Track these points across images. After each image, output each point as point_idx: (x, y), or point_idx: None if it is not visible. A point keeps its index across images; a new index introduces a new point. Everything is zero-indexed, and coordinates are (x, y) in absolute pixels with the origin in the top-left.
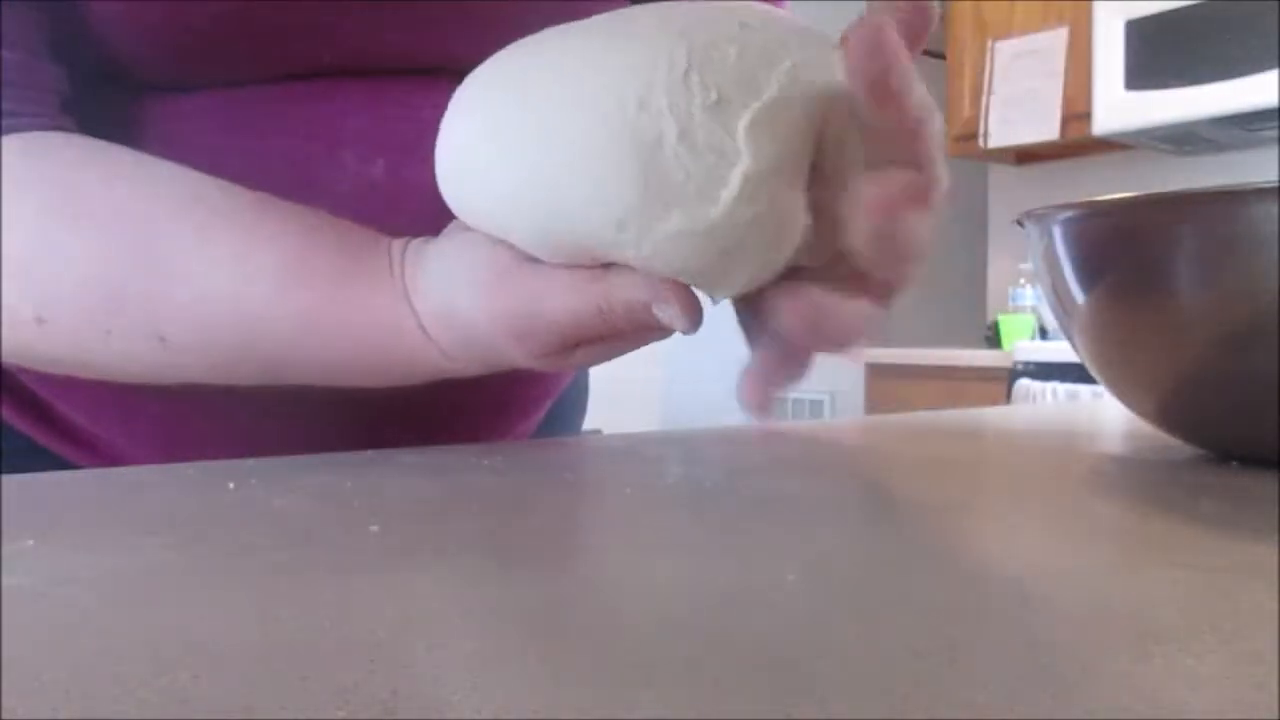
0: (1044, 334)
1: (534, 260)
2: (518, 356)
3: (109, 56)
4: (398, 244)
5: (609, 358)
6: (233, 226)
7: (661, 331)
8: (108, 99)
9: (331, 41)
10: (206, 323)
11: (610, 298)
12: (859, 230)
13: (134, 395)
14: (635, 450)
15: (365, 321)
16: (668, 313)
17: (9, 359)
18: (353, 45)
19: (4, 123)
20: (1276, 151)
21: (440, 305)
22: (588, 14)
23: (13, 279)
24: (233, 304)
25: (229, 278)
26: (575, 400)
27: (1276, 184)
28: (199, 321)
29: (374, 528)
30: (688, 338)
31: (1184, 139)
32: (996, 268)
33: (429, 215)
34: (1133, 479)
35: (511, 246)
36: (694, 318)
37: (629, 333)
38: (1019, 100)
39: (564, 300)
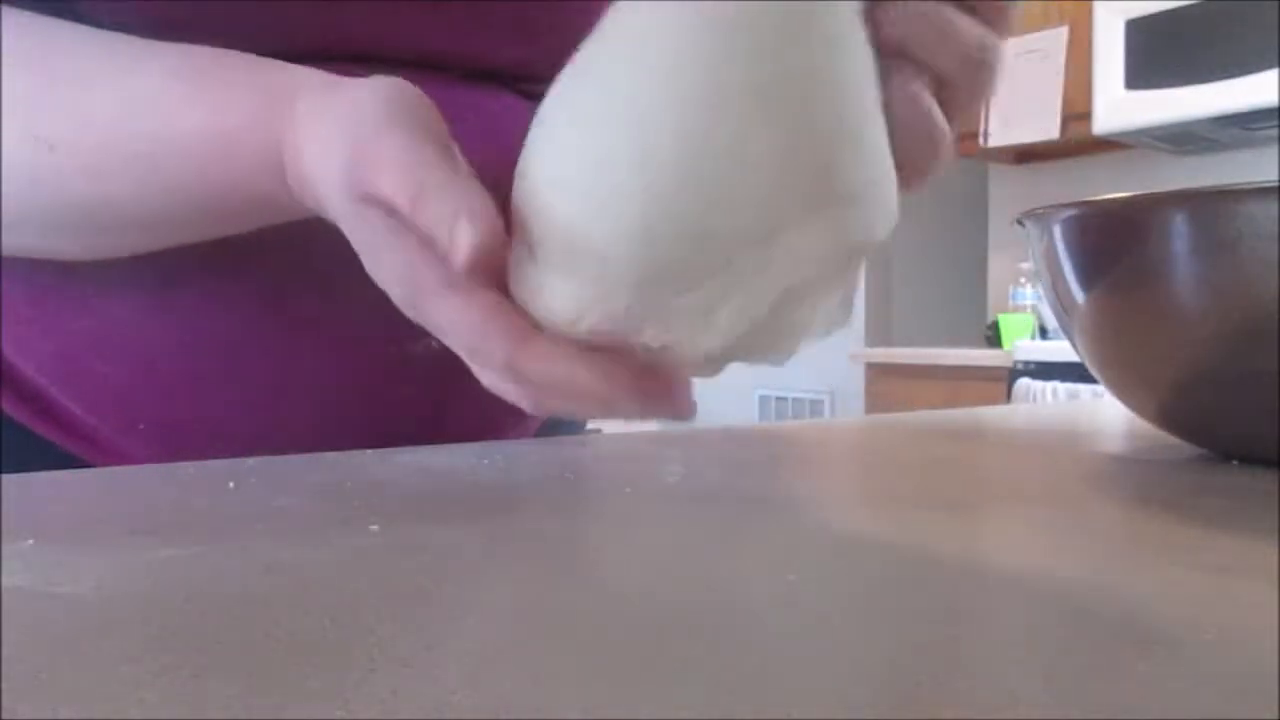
0: (1044, 333)
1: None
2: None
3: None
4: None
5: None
6: (148, 44)
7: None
8: None
9: (347, 35)
10: (84, 120)
11: (425, 192)
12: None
13: (133, 387)
14: (635, 450)
15: (214, 124)
16: (460, 241)
17: None
18: (366, 38)
19: None
20: (1276, 151)
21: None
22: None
23: None
24: (109, 101)
25: (111, 79)
26: None
27: (1276, 183)
28: (78, 119)
29: (374, 527)
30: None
31: (1184, 138)
32: (996, 267)
33: None
34: (1133, 478)
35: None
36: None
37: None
38: (1019, 100)
39: (390, 174)
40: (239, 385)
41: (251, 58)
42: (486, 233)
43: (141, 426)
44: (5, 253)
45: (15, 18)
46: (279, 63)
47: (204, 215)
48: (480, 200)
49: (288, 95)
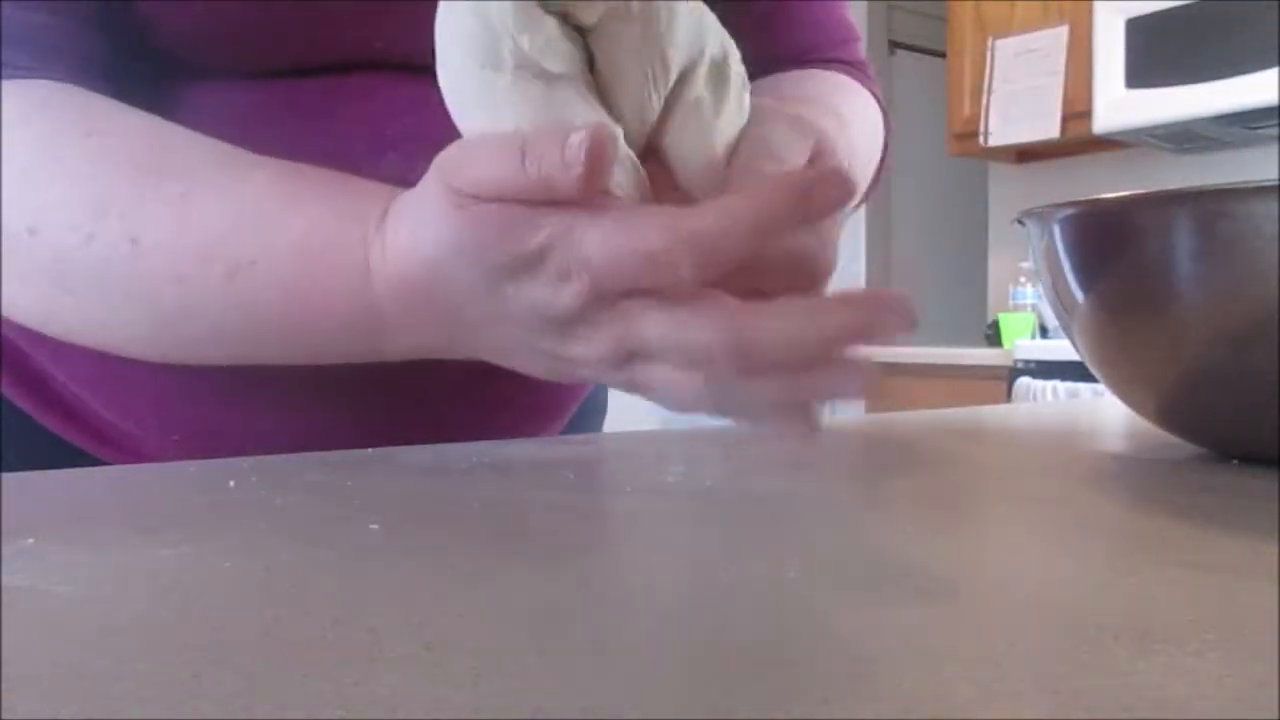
0: (1044, 332)
1: None
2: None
3: (157, 41)
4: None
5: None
6: (227, 155)
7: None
8: (156, 87)
9: (380, 33)
10: (179, 225)
11: (531, 141)
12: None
13: (167, 391)
14: (635, 450)
15: (315, 247)
16: (575, 152)
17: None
18: (400, 38)
19: (4, 70)
20: (1276, 149)
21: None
22: None
23: (11, 189)
24: (207, 209)
25: (212, 186)
26: (598, 405)
27: (1276, 182)
28: (172, 224)
29: (374, 526)
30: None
31: (1184, 137)
32: (997, 266)
33: None
34: (1133, 477)
35: None
36: (599, 163)
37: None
38: (1019, 99)
39: (489, 156)
40: (276, 393)
41: (344, 176)
42: (598, 138)
43: (176, 437)
44: (90, 345)
45: (113, 112)
46: (364, 182)
47: (286, 337)
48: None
49: (380, 200)
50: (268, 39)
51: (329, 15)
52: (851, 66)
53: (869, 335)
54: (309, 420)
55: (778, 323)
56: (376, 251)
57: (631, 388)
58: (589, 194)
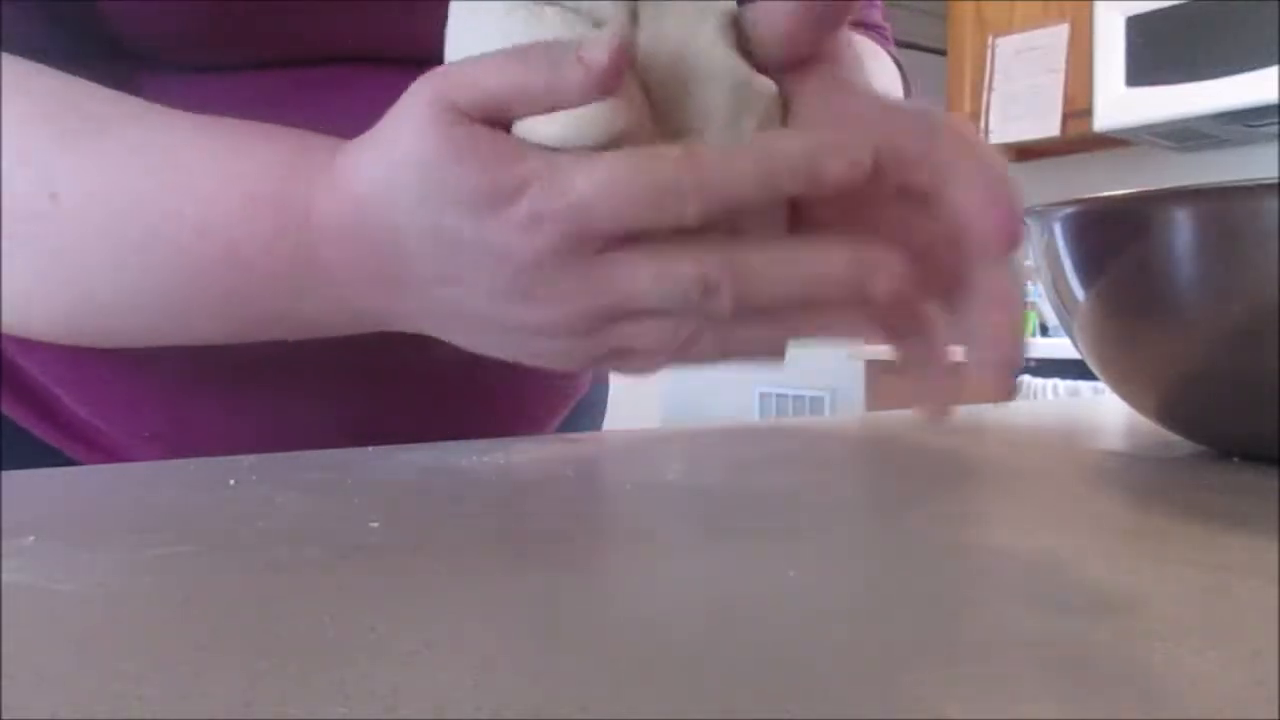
0: (1045, 330)
1: None
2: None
3: (118, 35)
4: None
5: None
6: (151, 108)
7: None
8: (128, 78)
9: (349, 25)
10: (99, 182)
11: (532, 49)
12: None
13: (138, 385)
14: (635, 447)
15: (247, 187)
16: (592, 53)
17: None
18: (370, 30)
19: None
20: (1277, 147)
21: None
22: None
23: None
24: (128, 161)
25: (132, 136)
26: (596, 402)
27: (1277, 180)
28: (92, 179)
29: (374, 524)
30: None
31: (1184, 135)
32: None
33: None
34: (1134, 475)
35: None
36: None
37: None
38: (1020, 97)
39: (497, 64)
40: (248, 391)
41: (278, 127)
42: (615, 39)
43: (147, 434)
44: (26, 335)
45: (30, 72)
46: (304, 132)
47: (213, 298)
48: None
49: (323, 143)
50: (234, 33)
51: (298, 8)
52: (871, 30)
53: (858, 285)
54: (282, 415)
55: (770, 257)
56: (322, 189)
57: (599, 358)
58: (605, 93)
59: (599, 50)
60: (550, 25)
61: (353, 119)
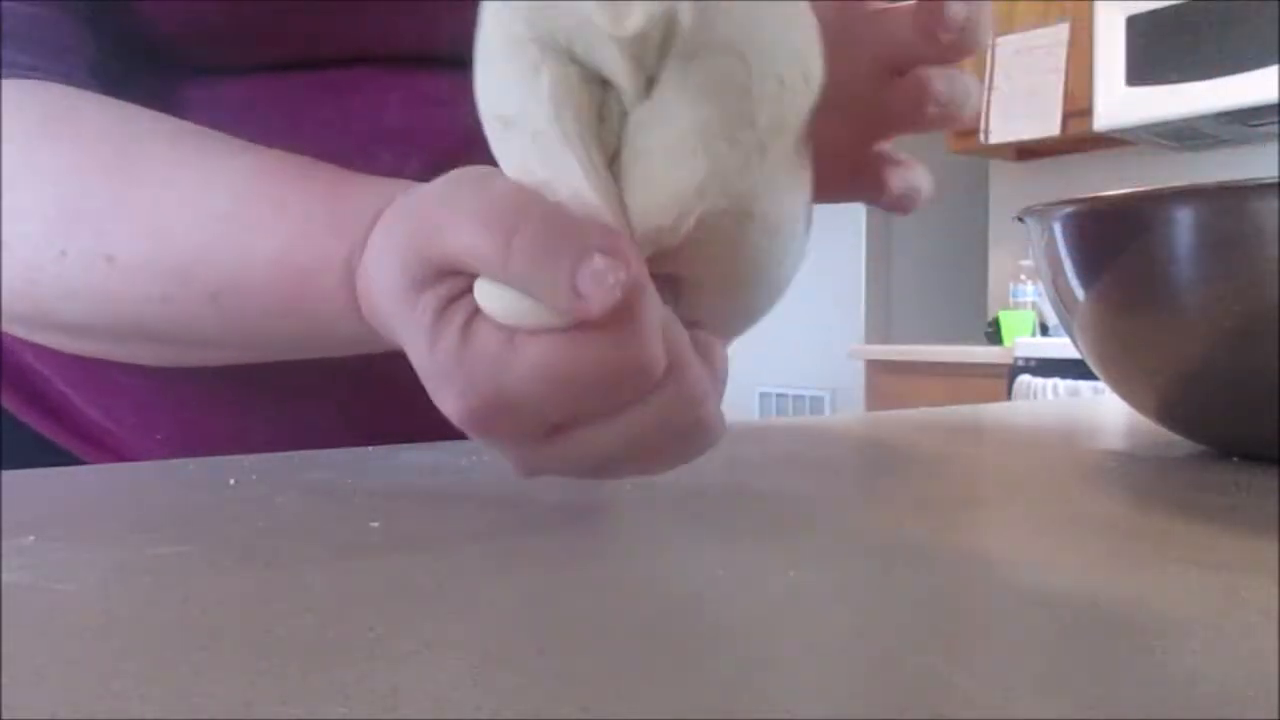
0: (1044, 330)
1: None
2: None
3: (150, 36)
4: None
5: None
6: (207, 154)
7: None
8: (147, 82)
9: (374, 26)
10: (155, 242)
11: (521, 230)
12: None
13: (151, 387)
14: None
15: (288, 259)
16: (592, 286)
17: None
18: (394, 32)
19: (4, 70)
20: (1277, 147)
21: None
22: None
23: None
24: (183, 222)
25: (185, 197)
26: None
27: (1277, 180)
28: (149, 240)
29: (374, 524)
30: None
31: (1185, 135)
32: (997, 264)
33: None
34: (1134, 475)
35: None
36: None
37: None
38: (1020, 96)
39: (468, 230)
40: (259, 395)
41: (330, 169)
42: (629, 275)
43: (159, 436)
44: (77, 352)
45: (79, 107)
46: (357, 177)
47: (278, 346)
48: (600, 233)
49: (366, 217)
50: (261, 33)
51: (323, 10)
52: None
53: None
54: (293, 419)
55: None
56: (363, 282)
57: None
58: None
59: (602, 288)
60: (570, 90)
61: (375, 119)
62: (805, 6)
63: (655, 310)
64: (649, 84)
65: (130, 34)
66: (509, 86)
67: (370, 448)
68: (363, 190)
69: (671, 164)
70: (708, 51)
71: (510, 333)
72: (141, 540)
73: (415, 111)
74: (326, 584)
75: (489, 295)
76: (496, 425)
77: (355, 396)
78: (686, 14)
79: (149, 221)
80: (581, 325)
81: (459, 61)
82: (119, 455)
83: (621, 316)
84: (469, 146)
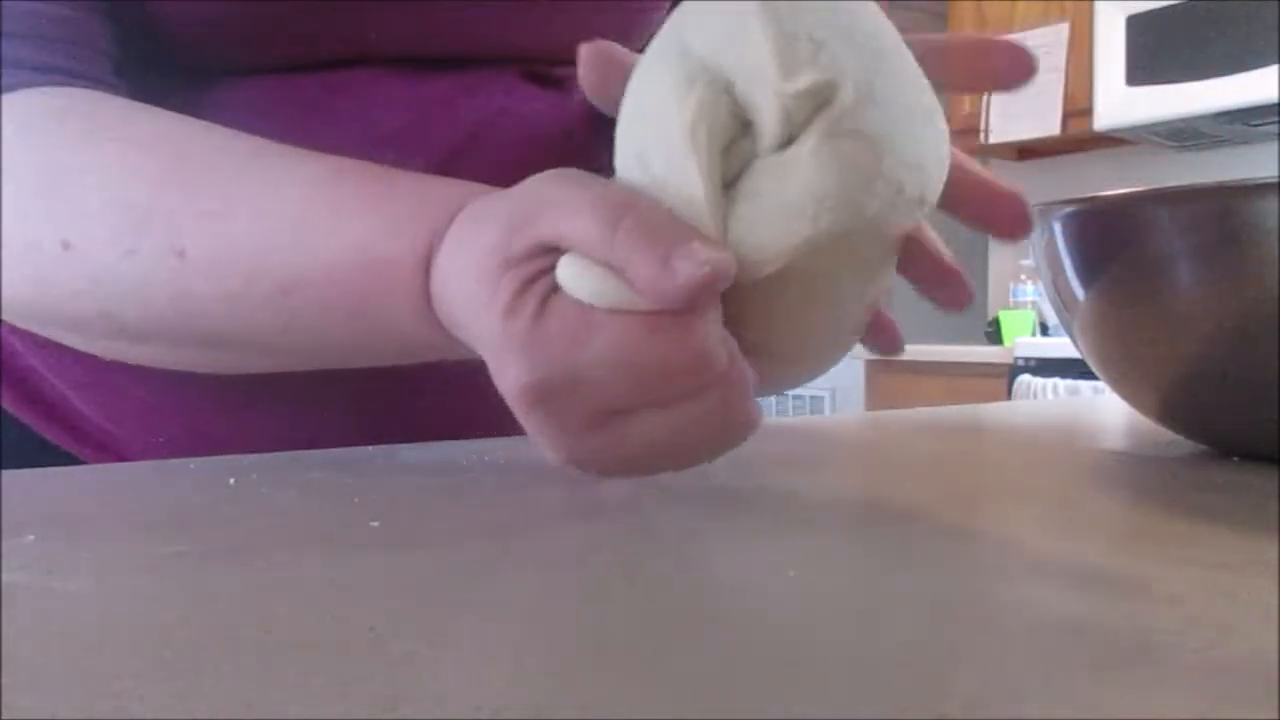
0: (1045, 330)
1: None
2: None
3: (160, 37)
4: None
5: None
6: (271, 156)
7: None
8: (154, 84)
9: (378, 28)
10: (229, 238)
11: (628, 216)
12: None
13: (155, 390)
14: None
15: (368, 248)
16: (687, 263)
17: (17, 311)
18: (400, 34)
19: (43, 76)
20: (1277, 147)
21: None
22: (639, 9)
23: (39, 200)
24: (257, 218)
25: (257, 194)
26: None
27: (1277, 179)
28: (222, 236)
29: (374, 523)
30: None
31: (1185, 134)
32: (997, 263)
33: None
34: (1134, 475)
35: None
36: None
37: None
38: (1020, 95)
39: (577, 212)
40: (264, 398)
41: (402, 171)
42: (711, 262)
43: (162, 439)
44: (135, 360)
45: (144, 117)
46: (434, 176)
47: (338, 351)
48: (687, 232)
49: (449, 210)
50: (268, 34)
51: (329, 11)
52: None
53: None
54: (298, 423)
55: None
56: (438, 280)
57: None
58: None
59: (694, 262)
60: (715, 112)
61: (379, 121)
62: (946, 133)
63: (719, 313)
64: (786, 140)
65: (140, 35)
66: (659, 87)
67: (370, 448)
68: (444, 187)
69: (779, 215)
70: (851, 133)
71: (589, 309)
72: (141, 540)
73: (418, 112)
74: (326, 583)
75: (573, 274)
76: (557, 402)
77: (363, 402)
78: (849, 93)
79: (222, 218)
80: (659, 311)
81: (461, 62)
82: (120, 457)
83: (696, 308)
84: (471, 147)
